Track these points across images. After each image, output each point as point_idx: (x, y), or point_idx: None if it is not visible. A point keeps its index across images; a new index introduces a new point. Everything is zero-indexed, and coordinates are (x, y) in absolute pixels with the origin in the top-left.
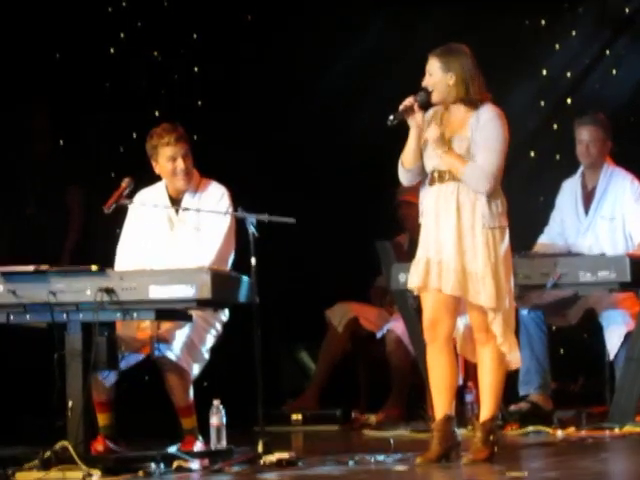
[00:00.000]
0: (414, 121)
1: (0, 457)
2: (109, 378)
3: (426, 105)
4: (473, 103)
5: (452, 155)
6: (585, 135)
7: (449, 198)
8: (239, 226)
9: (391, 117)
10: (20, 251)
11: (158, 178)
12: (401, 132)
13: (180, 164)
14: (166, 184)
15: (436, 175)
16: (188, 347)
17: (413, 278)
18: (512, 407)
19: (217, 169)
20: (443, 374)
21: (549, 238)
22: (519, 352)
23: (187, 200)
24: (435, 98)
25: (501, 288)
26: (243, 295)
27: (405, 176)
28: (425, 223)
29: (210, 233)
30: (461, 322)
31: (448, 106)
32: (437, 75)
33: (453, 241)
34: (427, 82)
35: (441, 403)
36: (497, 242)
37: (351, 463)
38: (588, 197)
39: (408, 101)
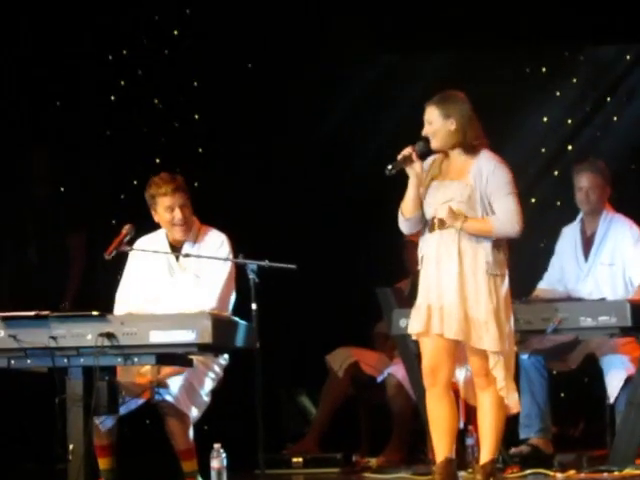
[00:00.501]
0: (413, 170)
1: None
2: (105, 423)
3: (425, 154)
4: (472, 149)
5: (472, 223)
6: (584, 182)
7: (450, 245)
8: (240, 272)
9: (389, 167)
10: (21, 296)
11: (158, 225)
12: (400, 178)
13: (178, 214)
14: (166, 232)
15: (436, 222)
16: (188, 391)
17: (414, 324)
18: (513, 450)
19: (218, 215)
20: (443, 418)
21: (548, 284)
22: (518, 397)
23: (187, 248)
24: (436, 145)
25: (503, 332)
26: (244, 340)
27: (405, 225)
28: (426, 269)
29: (210, 279)
30: (462, 373)
31: (447, 153)
32: (437, 123)
33: (455, 287)
34: (427, 131)
35: (442, 446)
36: (498, 288)
37: None
38: (587, 243)
39: (407, 151)
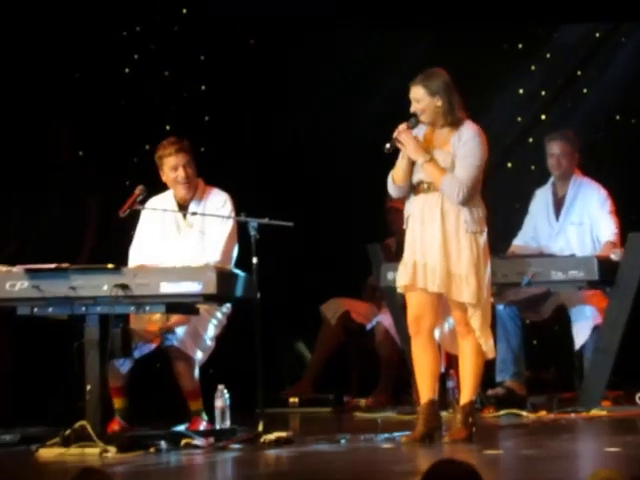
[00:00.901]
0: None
1: (25, 436)
2: (124, 366)
3: (415, 127)
4: (456, 121)
5: (432, 165)
6: (555, 149)
7: (434, 207)
8: (242, 229)
9: (387, 145)
10: (45, 251)
11: (167, 187)
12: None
13: (181, 172)
14: (173, 192)
15: (424, 186)
16: (194, 337)
17: (401, 278)
18: (489, 391)
19: (223, 177)
20: (427, 364)
21: (523, 241)
22: (495, 344)
23: (193, 206)
24: (425, 120)
25: (482, 286)
26: (245, 291)
27: (395, 191)
28: (411, 228)
29: (214, 235)
30: (446, 323)
31: (434, 125)
32: (424, 100)
33: (438, 245)
34: (415, 108)
35: (425, 389)
36: (478, 243)
37: (342, 442)
38: (558, 204)
39: (401, 128)
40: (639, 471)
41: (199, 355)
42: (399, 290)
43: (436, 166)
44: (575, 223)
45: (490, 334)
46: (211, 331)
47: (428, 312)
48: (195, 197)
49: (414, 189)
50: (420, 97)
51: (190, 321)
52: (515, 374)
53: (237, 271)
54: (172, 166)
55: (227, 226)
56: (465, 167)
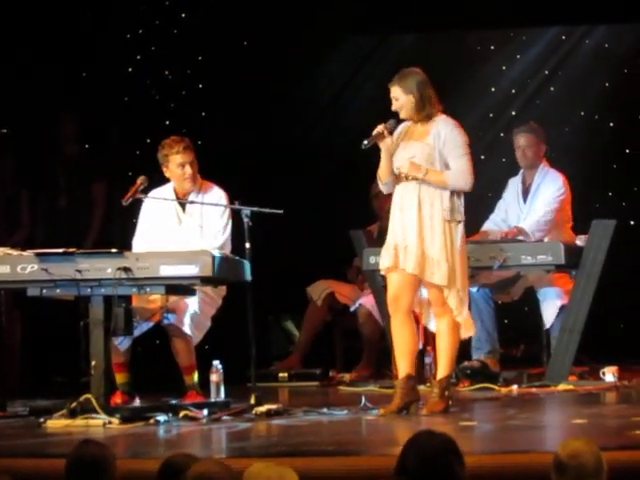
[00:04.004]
0: (384, 145)
1: (34, 408)
2: (123, 343)
3: (394, 130)
4: (430, 115)
5: (432, 174)
6: (522, 141)
7: (412, 194)
8: (235, 216)
9: (365, 142)
10: (53, 236)
11: (166, 179)
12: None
13: (188, 170)
14: (174, 185)
15: (401, 175)
16: (192, 316)
17: (385, 260)
18: (465, 363)
19: (217, 168)
20: (405, 341)
21: (494, 224)
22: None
23: (192, 198)
24: (404, 116)
25: (454, 270)
26: (239, 274)
27: (384, 187)
28: (393, 215)
29: (212, 227)
30: (421, 294)
31: (413, 120)
32: (402, 98)
33: (415, 230)
34: (395, 106)
35: (403, 364)
36: (453, 233)
37: (328, 413)
38: (526, 191)
39: (380, 128)
40: (604, 442)
41: (196, 333)
42: (382, 272)
43: (434, 173)
44: (536, 209)
45: (469, 314)
46: (208, 312)
47: (406, 292)
48: (194, 191)
49: (396, 179)
50: (398, 95)
51: (189, 301)
52: (489, 352)
53: (232, 256)
54: (179, 164)
55: (224, 218)
56: (458, 158)
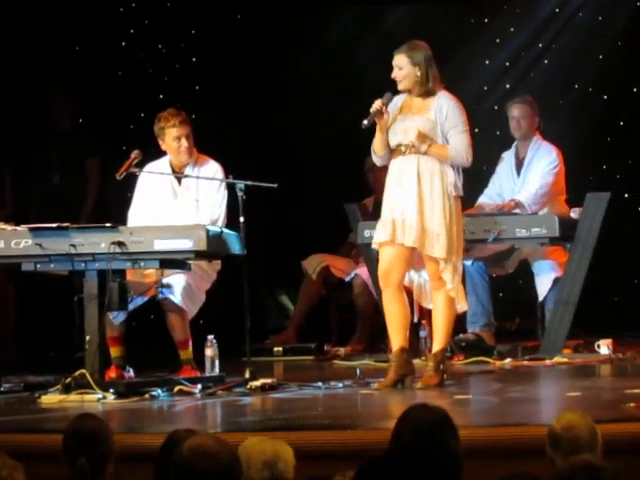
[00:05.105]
0: (383, 119)
1: (29, 383)
2: (118, 317)
3: (389, 103)
4: (431, 91)
5: (435, 147)
6: (516, 112)
7: (411, 168)
8: (230, 190)
9: (365, 122)
10: (47, 211)
11: (161, 151)
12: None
13: (184, 143)
14: (170, 159)
15: (401, 149)
16: (186, 290)
17: (381, 234)
18: (461, 335)
19: (212, 142)
20: (396, 314)
21: (489, 198)
22: (465, 298)
23: (188, 172)
24: (403, 87)
25: (452, 244)
26: (233, 248)
27: (377, 160)
28: (390, 189)
29: (207, 201)
30: (418, 276)
31: (411, 93)
32: (407, 68)
33: (415, 204)
34: (396, 74)
35: (396, 338)
36: (452, 206)
37: (323, 387)
38: (519, 164)
39: (377, 104)
40: (599, 415)
41: (191, 307)
42: (374, 246)
43: (437, 147)
44: (531, 182)
45: (462, 289)
46: (203, 286)
47: (398, 266)
48: (190, 164)
49: (392, 152)
50: (403, 65)
51: (183, 275)
52: (485, 325)
53: (226, 230)
54: (175, 137)
55: (219, 192)
56: (459, 134)
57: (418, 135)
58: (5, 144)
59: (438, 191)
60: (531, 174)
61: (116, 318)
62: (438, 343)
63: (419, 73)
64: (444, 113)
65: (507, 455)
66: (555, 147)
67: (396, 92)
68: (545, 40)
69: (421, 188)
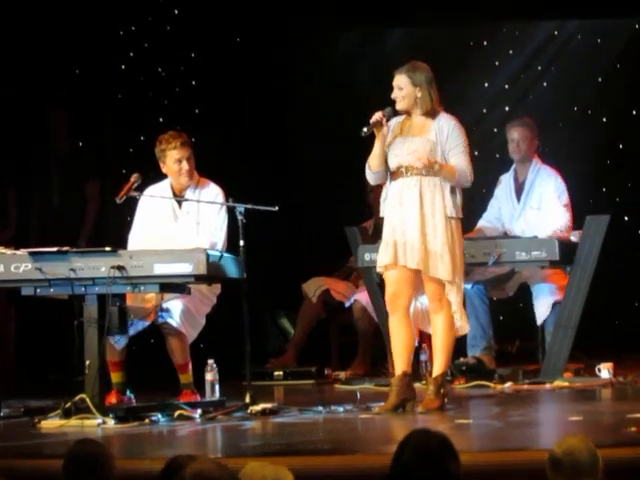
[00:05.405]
0: (381, 132)
1: (28, 408)
2: (120, 342)
3: (391, 117)
4: (432, 112)
5: (444, 168)
6: (515, 134)
7: (412, 189)
8: (230, 214)
9: (364, 129)
10: (46, 235)
11: (161, 174)
12: (365, 138)
13: (185, 165)
14: (171, 182)
15: (402, 171)
16: (186, 314)
17: (383, 257)
18: (460, 360)
19: (212, 164)
20: (403, 339)
21: (487, 222)
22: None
23: (189, 195)
24: (403, 107)
25: (456, 265)
26: (233, 271)
27: (372, 177)
28: (390, 211)
29: (208, 224)
30: (415, 301)
31: (410, 114)
32: (407, 89)
33: (417, 225)
34: (396, 95)
35: (400, 362)
36: (454, 229)
37: (324, 412)
38: (519, 188)
39: (378, 115)
40: (600, 439)
41: (190, 332)
42: (378, 270)
43: (446, 167)
44: (534, 208)
45: (464, 312)
46: (203, 310)
47: (405, 289)
48: (191, 186)
49: (392, 174)
50: (403, 85)
51: (184, 299)
52: (485, 348)
53: (226, 253)
54: (176, 159)
55: (220, 216)
56: (460, 154)
57: (426, 163)
58: (8, 166)
59: (440, 212)
60: (534, 200)
61: (118, 343)
62: (438, 367)
63: (420, 94)
64: (445, 133)
65: None
66: (555, 170)
67: (397, 111)
68: (543, 63)
69: (423, 209)
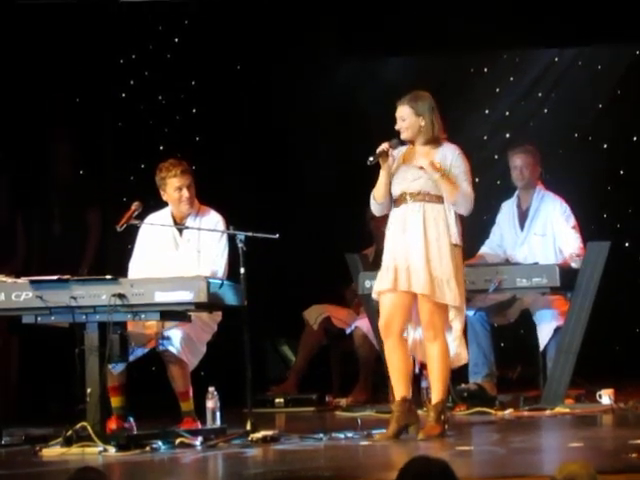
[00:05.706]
0: (387, 164)
1: (29, 436)
2: (117, 367)
3: (396, 149)
4: (435, 141)
5: (447, 179)
6: (518, 161)
7: (416, 215)
8: (230, 242)
9: (370, 158)
10: (47, 262)
11: (162, 202)
12: (366, 168)
13: (185, 193)
14: (171, 209)
15: (406, 197)
16: (187, 342)
17: (383, 283)
18: (462, 386)
19: (213, 192)
20: (398, 364)
21: (490, 249)
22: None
23: (189, 223)
24: (407, 137)
25: (461, 292)
26: (234, 299)
27: (377, 208)
28: (393, 237)
29: (209, 252)
30: (413, 331)
31: (414, 143)
32: (410, 119)
33: (421, 250)
34: (400, 126)
35: (399, 388)
36: (457, 256)
37: (325, 439)
38: (522, 216)
39: (384, 146)
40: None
41: (191, 359)
42: (373, 296)
43: (450, 180)
44: (539, 234)
45: (464, 340)
46: (204, 337)
47: (399, 315)
48: (192, 214)
49: (395, 201)
50: (406, 116)
51: (185, 327)
52: (487, 375)
53: (226, 281)
54: (177, 187)
55: (221, 244)
56: (463, 182)
57: (430, 163)
58: (16, 193)
59: (444, 238)
60: (539, 226)
61: (115, 368)
62: (437, 394)
63: (423, 123)
64: (448, 162)
65: None
66: (558, 196)
67: (402, 141)
68: (544, 89)
69: (427, 235)
